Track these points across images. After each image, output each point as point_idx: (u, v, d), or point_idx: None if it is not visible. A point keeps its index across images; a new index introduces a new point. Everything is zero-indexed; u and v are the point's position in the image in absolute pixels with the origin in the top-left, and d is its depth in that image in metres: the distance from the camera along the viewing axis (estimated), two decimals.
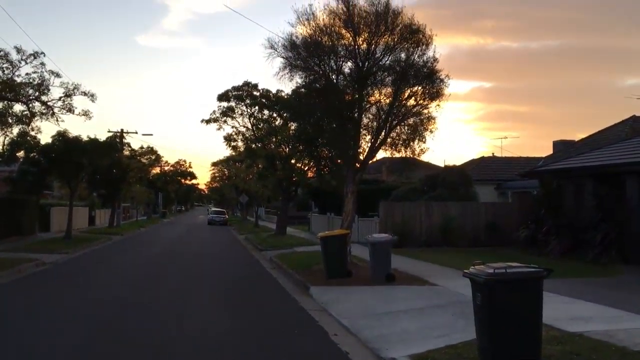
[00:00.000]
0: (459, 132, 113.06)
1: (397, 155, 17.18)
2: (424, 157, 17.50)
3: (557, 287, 10.52)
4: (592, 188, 18.05)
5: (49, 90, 24.89)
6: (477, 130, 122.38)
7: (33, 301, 11.48)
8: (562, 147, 29.76)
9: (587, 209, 17.94)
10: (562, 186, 19.45)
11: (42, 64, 24.11)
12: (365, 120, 16.51)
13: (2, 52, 23.30)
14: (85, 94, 26.04)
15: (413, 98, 15.85)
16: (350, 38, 15.61)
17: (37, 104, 25.02)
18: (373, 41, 15.48)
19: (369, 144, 16.44)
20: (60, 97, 25.44)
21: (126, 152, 43.62)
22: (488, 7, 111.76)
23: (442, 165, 37.35)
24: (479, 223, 23.21)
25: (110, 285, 13.98)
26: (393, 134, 16.41)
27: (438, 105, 15.94)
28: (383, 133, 16.22)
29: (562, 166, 20.13)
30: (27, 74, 24.25)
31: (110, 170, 37.21)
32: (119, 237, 34.02)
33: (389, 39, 15.35)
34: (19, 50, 23.36)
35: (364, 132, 16.51)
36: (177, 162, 74.80)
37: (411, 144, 16.30)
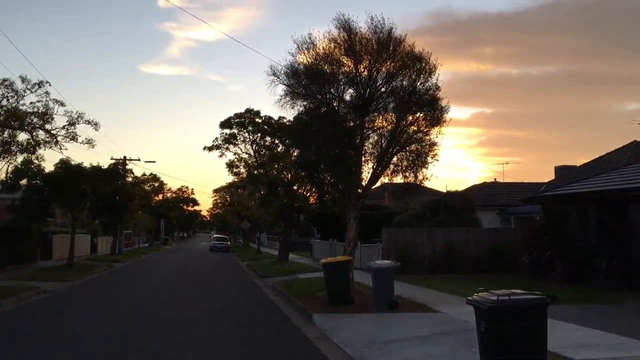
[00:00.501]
0: (461, 157, 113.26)
1: (398, 180, 17.20)
2: (427, 183, 17.50)
3: (561, 314, 10.42)
4: (596, 213, 18.01)
5: (53, 119, 25.01)
6: (478, 155, 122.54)
7: (34, 329, 11.41)
8: (564, 172, 29.79)
9: (591, 235, 17.87)
10: (565, 211, 19.39)
11: (47, 92, 24.27)
12: (366, 147, 16.57)
13: (7, 82, 23.48)
14: (89, 122, 26.14)
15: (415, 124, 15.94)
16: (352, 65, 15.76)
17: (41, 132, 25.13)
18: (374, 68, 15.62)
19: (371, 171, 16.46)
20: (64, 126, 25.55)
21: (129, 179, 43.70)
22: (488, 34, 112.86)
23: (444, 190, 37.35)
24: (482, 249, 23.10)
25: (110, 313, 13.89)
26: (395, 160, 16.46)
27: (439, 131, 16.02)
28: (385, 159, 16.26)
29: (564, 191, 20.11)
30: (31, 102, 24.38)
31: (113, 197, 37.23)
32: (120, 264, 33.93)
33: (391, 66, 15.50)
34: (24, 79, 23.56)
35: (366, 158, 16.54)
36: (179, 189, 74.96)
37: (413, 170, 16.32)
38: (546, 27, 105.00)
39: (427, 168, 16.29)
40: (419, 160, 16.20)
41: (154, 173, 55.35)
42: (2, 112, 23.57)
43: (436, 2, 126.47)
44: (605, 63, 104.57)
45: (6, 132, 24.44)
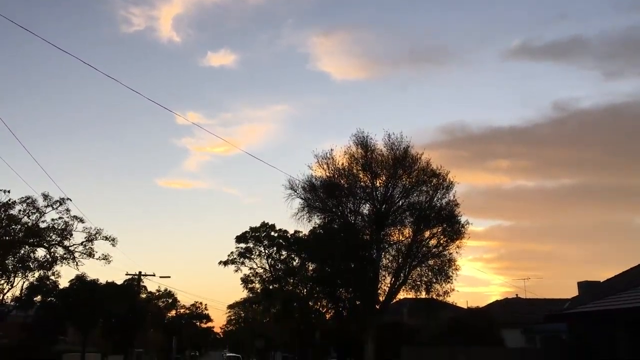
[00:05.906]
0: (481, 271, 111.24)
1: (414, 294, 16.79)
2: (447, 298, 17.09)
3: None
4: (625, 333, 17.18)
5: (71, 235, 25.29)
6: (498, 269, 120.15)
7: None
8: (588, 288, 28.94)
9: (622, 356, 16.94)
10: (592, 330, 18.54)
11: (68, 209, 24.72)
12: (384, 261, 16.37)
13: (29, 199, 24.02)
14: (106, 238, 26.33)
15: (434, 238, 15.83)
16: (368, 180, 15.97)
17: (59, 248, 25.28)
18: (391, 183, 15.79)
19: (389, 285, 16.15)
20: (82, 242, 25.75)
21: (143, 296, 43.15)
22: (502, 147, 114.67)
23: (465, 306, 36.21)
24: None
25: None
26: (414, 275, 16.17)
27: (458, 246, 15.86)
28: (403, 274, 15.99)
29: (590, 309, 19.33)
30: (52, 219, 24.78)
31: (127, 315, 36.58)
32: None
33: (407, 182, 15.67)
34: (45, 196, 24.10)
35: (384, 272, 16.31)
36: (193, 305, 73.68)
37: (434, 285, 16.00)
38: (558, 140, 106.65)
39: (448, 282, 15.97)
40: (439, 274, 15.92)
41: (168, 289, 54.79)
42: (22, 230, 23.90)
43: (448, 118, 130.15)
44: (621, 176, 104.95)
45: (24, 249, 24.63)
